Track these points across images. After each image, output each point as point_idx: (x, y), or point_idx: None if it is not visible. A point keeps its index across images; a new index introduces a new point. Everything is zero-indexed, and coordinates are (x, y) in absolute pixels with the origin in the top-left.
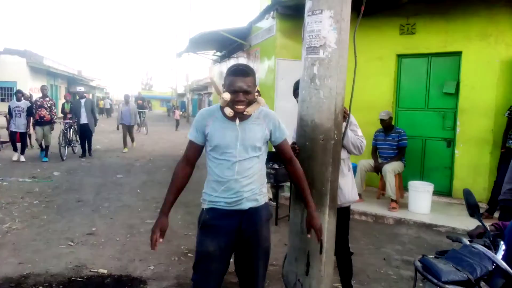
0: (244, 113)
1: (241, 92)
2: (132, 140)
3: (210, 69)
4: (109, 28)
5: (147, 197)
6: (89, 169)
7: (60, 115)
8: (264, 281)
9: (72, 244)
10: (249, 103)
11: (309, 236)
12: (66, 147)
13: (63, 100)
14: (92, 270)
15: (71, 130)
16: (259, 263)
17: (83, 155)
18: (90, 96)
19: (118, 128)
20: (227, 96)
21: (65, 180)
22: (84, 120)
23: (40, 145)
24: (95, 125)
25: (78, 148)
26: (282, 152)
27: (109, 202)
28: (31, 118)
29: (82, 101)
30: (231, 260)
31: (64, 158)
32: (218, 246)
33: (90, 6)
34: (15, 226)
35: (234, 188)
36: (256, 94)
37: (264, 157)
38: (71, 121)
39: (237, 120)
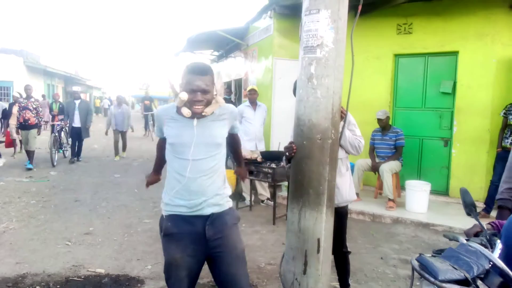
0: (203, 114)
1: (199, 92)
2: (124, 147)
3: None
4: (106, 28)
5: (144, 197)
6: (86, 168)
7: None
8: (248, 285)
9: (70, 243)
10: (207, 103)
11: (245, 180)
12: (57, 151)
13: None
14: (89, 269)
15: (62, 133)
16: (234, 271)
17: (72, 160)
18: (88, 96)
19: (106, 133)
20: (184, 95)
21: (62, 180)
22: (77, 123)
23: (26, 151)
24: (88, 132)
25: (69, 152)
26: (234, 142)
27: (107, 202)
28: (13, 121)
29: (77, 102)
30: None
31: (55, 163)
32: (185, 253)
33: (87, 5)
34: (12, 226)
35: (194, 191)
36: (215, 93)
37: (223, 156)
38: (62, 123)
39: (195, 120)
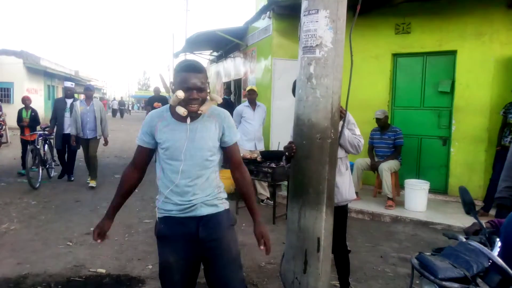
0: (198, 112)
1: (195, 90)
2: (94, 170)
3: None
4: (106, 28)
5: (145, 197)
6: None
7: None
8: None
9: (71, 244)
10: (202, 101)
11: (261, 248)
12: (41, 169)
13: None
14: (90, 269)
15: (46, 146)
16: (231, 275)
17: (62, 175)
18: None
19: (73, 143)
20: (180, 94)
21: (62, 181)
22: (68, 129)
23: None
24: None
25: (56, 170)
26: (232, 156)
27: (107, 202)
28: None
29: (69, 102)
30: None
31: (37, 185)
32: (178, 257)
33: (87, 6)
34: (13, 226)
35: (186, 192)
36: (208, 91)
37: (218, 158)
38: (46, 131)
39: (188, 120)
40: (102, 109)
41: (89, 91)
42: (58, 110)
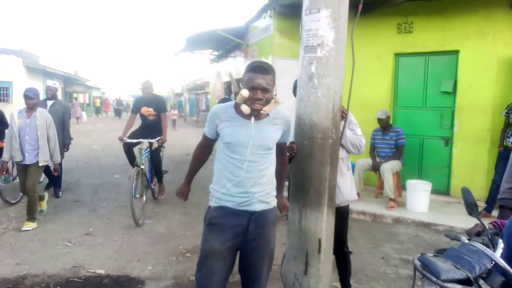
0: (261, 111)
1: (259, 90)
2: (29, 205)
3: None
4: (105, 27)
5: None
6: (86, 169)
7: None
8: (267, 282)
9: (70, 244)
10: (267, 102)
11: (283, 213)
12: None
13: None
14: (89, 270)
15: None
16: (263, 265)
17: (49, 186)
18: (87, 97)
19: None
20: (245, 92)
21: (62, 180)
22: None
23: None
24: (67, 147)
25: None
26: (282, 151)
27: (106, 202)
28: None
29: (49, 103)
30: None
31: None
32: (223, 245)
33: (86, 5)
34: (12, 226)
35: (245, 187)
36: (274, 93)
37: (273, 157)
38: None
39: (252, 119)
40: (50, 123)
41: (28, 99)
42: None
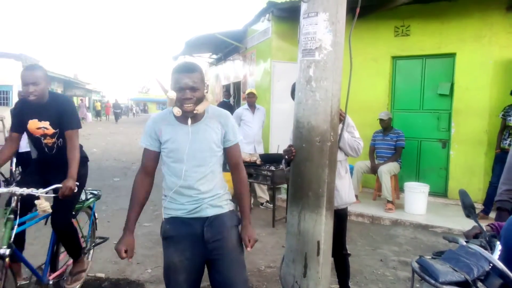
0: (194, 111)
1: (187, 89)
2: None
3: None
4: (105, 31)
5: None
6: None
7: None
8: None
9: None
10: (198, 101)
11: (248, 249)
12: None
13: None
14: (89, 274)
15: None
16: (234, 274)
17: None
18: (87, 100)
19: None
20: (172, 94)
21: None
22: (25, 146)
23: None
24: None
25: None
26: (230, 157)
27: (106, 206)
28: None
29: None
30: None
31: None
32: (183, 257)
33: (86, 9)
34: None
35: (191, 194)
36: (205, 91)
37: (219, 159)
38: None
39: (189, 121)
40: None
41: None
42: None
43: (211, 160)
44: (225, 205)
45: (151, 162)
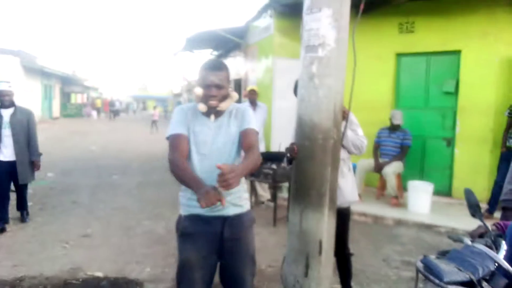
0: (218, 108)
1: (213, 87)
2: None
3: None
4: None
5: (143, 199)
6: (85, 170)
7: None
8: (252, 286)
9: (67, 246)
10: (223, 98)
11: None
12: None
13: (57, 101)
14: (87, 272)
15: None
16: (246, 272)
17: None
18: (85, 97)
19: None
20: (199, 91)
21: (59, 182)
22: (9, 154)
23: None
24: (33, 172)
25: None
26: (243, 140)
27: (105, 204)
28: None
29: (6, 113)
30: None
31: None
32: (200, 255)
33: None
34: (10, 228)
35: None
36: (230, 89)
37: (240, 156)
38: None
39: (212, 117)
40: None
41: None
42: None
43: (233, 156)
44: (245, 204)
45: (185, 146)
